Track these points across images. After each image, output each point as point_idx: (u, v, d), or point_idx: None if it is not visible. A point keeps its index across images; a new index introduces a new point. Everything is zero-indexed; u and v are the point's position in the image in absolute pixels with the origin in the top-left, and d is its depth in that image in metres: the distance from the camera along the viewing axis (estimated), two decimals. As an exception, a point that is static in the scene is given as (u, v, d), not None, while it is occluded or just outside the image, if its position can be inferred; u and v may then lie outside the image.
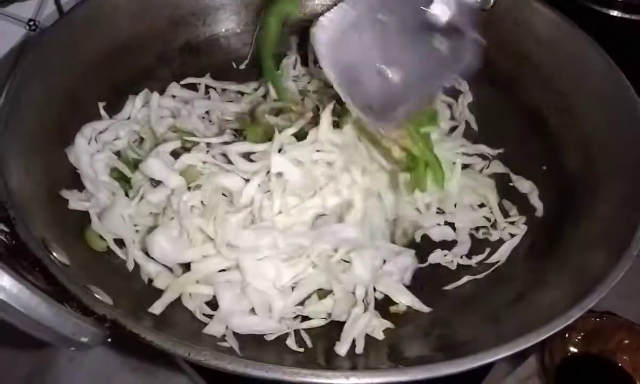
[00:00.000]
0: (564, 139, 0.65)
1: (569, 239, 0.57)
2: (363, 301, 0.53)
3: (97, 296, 0.43)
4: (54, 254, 0.45)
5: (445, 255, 0.60)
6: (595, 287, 0.47)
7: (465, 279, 0.58)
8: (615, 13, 0.72)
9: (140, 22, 0.70)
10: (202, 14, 0.76)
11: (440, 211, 0.63)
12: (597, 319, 0.63)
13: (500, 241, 0.61)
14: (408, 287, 0.56)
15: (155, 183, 0.57)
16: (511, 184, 0.66)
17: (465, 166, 0.66)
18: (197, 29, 0.76)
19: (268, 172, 0.55)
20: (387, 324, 0.53)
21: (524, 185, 0.65)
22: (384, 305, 0.55)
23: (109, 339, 0.41)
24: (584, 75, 0.65)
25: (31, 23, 0.67)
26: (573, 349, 0.63)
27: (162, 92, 0.68)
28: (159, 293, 0.51)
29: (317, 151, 0.58)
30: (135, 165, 0.59)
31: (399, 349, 0.51)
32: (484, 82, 0.73)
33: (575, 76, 0.66)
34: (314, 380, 0.40)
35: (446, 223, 0.63)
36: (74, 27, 0.63)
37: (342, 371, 0.44)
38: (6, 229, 0.44)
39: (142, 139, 0.63)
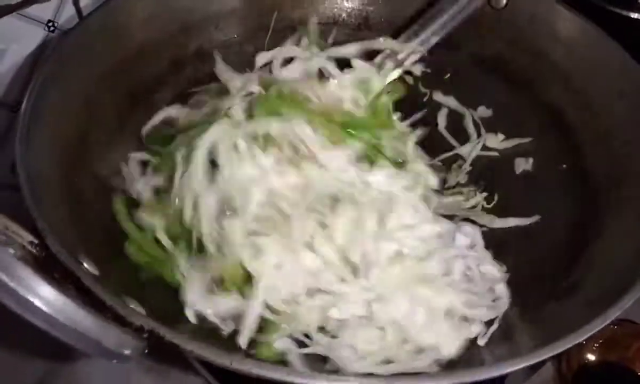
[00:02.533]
0: (585, 137, 0.65)
1: (591, 244, 0.56)
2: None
3: (132, 306, 0.42)
4: (84, 264, 0.44)
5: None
6: (620, 295, 0.45)
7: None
8: (635, 15, 0.72)
9: (154, 29, 0.69)
10: (214, 19, 0.75)
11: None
12: (615, 327, 0.62)
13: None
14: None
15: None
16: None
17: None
18: (209, 34, 0.75)
19: None
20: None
21: None
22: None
23: (146, 351, 0.40)
24: (603, 72, 0.65)
25: (50, 24, 0.66)
26: (590, 357, 0.63)
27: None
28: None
29: None
30: None
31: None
32: (499, 80, 0.73)
33: (594, 73, 0.66)
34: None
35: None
36: (91, 33, 0.62)
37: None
38: (36, 241, 0.43)
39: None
